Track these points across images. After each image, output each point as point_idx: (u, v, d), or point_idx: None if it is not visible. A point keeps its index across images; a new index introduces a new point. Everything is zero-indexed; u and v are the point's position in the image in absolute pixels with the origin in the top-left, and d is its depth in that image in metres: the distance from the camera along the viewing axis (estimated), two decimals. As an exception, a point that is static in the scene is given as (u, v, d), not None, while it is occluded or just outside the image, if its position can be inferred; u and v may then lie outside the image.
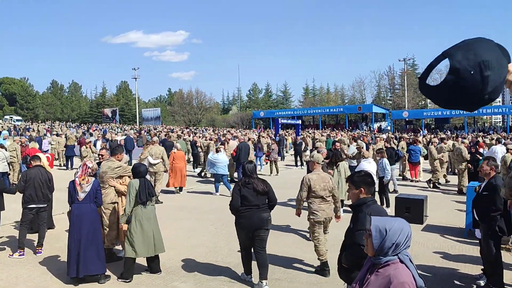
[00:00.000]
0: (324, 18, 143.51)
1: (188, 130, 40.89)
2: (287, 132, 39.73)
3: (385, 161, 11.21)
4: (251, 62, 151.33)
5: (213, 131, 42.23)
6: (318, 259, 6.56)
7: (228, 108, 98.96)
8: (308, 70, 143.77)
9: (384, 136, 26.61)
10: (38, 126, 45.86)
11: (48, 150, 20.90)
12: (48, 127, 40.75)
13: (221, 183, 13.48)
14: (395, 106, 70.27)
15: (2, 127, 38.59)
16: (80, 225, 6.08)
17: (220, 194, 13.31)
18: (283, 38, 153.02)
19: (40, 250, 7.42)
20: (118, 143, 18.39)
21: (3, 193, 7.91)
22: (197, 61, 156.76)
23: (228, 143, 17.42)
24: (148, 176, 9.01)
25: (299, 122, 39.84)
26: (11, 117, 66.05)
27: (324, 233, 6.72)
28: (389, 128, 59.12)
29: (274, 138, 27.55)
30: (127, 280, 6.14)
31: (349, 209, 4.52)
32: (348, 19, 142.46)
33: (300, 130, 36.27)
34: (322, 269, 6.46)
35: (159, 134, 29.82)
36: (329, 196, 6.59)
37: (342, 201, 9.49)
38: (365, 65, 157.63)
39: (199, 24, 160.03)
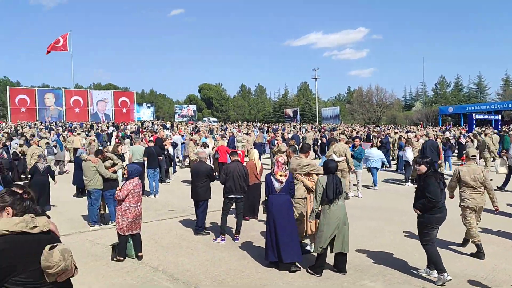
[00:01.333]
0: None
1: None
2: (480, 129, 35.45)
3: None
4: (437, 53, 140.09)
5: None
6: (472, 241, 7.18)
7: (411, 104, 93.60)
8: (508, 58, 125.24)
9: None
10: (230, 126, 50.99)
11: (238, 147, 23.05)
12: (238, 127, 44.98)
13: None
14: None
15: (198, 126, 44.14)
16: (277, 215, 6.56)
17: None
18: (473, 25, 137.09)
19: (237, 237, 8.21)
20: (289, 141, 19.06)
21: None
22: (377, 57, 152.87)
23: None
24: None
25: (498, 117, 35.06)
26: (209, 119, 75.19)
27: (477, 221, 7.39)
28: None
29: (467, 135, 24.91)
30: (317, 275, 6.30)
31: None
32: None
33: (500, 126, 31.91)
34: (477, 252, 7.07)
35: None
36: (480, 186, 7.21)
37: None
38: None
39: (380, 19, 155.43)
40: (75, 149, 20.47)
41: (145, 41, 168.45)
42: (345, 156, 12.06)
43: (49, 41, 57.15)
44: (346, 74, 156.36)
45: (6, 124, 48.73)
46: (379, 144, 20.03)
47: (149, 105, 77.39)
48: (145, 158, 13.01)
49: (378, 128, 35.28)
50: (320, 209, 6.37)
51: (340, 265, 6.42)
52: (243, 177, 8.20)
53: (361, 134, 28.79)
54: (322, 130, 36.62)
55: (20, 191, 2.95)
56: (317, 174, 7.33)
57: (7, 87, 67.33)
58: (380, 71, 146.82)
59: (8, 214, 2.76)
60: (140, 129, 35.42)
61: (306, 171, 7.35)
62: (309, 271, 6.41)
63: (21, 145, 16.92)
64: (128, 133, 30.27)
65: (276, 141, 17.12)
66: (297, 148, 9.93)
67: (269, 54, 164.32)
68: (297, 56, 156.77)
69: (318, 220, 6.49)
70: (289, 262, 6.47)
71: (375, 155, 14.18)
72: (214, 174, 9.47)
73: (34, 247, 2.63)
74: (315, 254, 6.47)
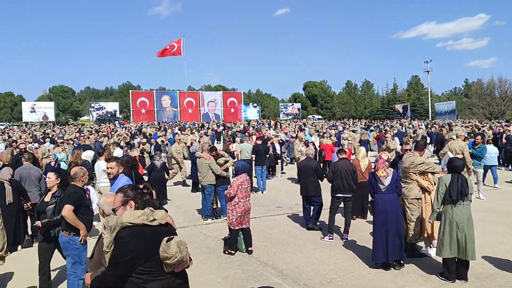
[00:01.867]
0: None
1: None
2: None
3: None
4: None
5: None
6: None
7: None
8: None
9: None
10: (336, 123, 50.19)
11: (343, 145, 22.54)
12: (345, 124, 44.05)
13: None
14: None
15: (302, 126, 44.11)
16: (384, 215, 6.31)
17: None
18: None
19: (346, 237, 8.04)
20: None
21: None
22: (499, 46, 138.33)
23: None
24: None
25: None
26: (313, 116, 74.94)
27: None
28: None
29: None
30: (450, 281, 5.88)
31: None
32: None
33: None
34: None
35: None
36: None
37: None
38: None
39: (503, 3, 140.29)
40: (188, 147, 21.83)
41: (251, 42, 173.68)
42: (463, 154, 11.11)
43: (164, 47, 61.55)
44: (463, 65, 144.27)
45: (129, 124, 53.76)
46: (504, 141, 18.15)
47: (255, 104, 79.62)
48: (253, 156, 13.39)
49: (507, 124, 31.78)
50: (441, 209, 5.96)
51: (461, 272, 5.93)
52: (351, 175, 8.00)
53: (481, 130, 26.26)
54: (433, 126, 34.16)
55: (141, 187, 3.23)
56: (432, 173, 6.87)
57: (130, 90, 74.23)
58: (503, 61, 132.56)
59: (131, 207, 3.03)
60: (246, 128, 36.58)
61: (421, 170, 6.91)
62: (441, 277, 6.01)
63: (143, 143, 18.50)
64: (235, 132, 31.43)
65: (385, 139, 16.43)
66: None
67: (377, 48, 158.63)
68: (407, 49, 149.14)
69: (438, 222, 6.06)
70: (391, 262, 6.32)
71: (492, 152, 13.46)
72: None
73: (154, 238, 2.85)
74: (436, 258, 6.07)
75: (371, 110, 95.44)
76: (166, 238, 2.82)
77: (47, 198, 5.67)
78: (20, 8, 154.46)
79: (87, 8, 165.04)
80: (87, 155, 11.87)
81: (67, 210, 5.03)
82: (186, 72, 68.98)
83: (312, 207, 8.95)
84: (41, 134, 31.03)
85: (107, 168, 5.65)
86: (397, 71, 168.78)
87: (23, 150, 12.42)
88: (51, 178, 5.66)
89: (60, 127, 49.17)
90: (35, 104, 72.55)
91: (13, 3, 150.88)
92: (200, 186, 10.36)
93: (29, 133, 33.18)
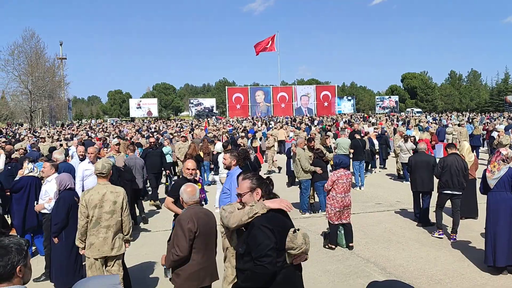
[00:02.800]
0: None
1: None
2: None
3: None
4: None
5: None
6: None
7: None
8: None
9: None
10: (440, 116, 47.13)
11: (447, 140, 21.10)
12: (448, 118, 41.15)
13: None
14: None
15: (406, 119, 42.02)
16: (495, 214, 5.87)
17: None
18: None
19: (454, 237, 7.57)
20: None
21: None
22: None
23: None
24: None
25: None
26: (412, 109, 71.07)
27: None
28: None
29: None
30: None
31: None
32: None
33: None
34: None
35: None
36: None
37: None
38: None
39: None
40: (280, 141, 22.04)
41: (345, 33, 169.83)
42: None
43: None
44: None
45: (224, 119, 55.75)
46: None
47: (349, 98, 77.85)
48: (351, 151, 13.14)
49: None
50: None
51: None
52: (462, 171, 7.50)
53: None
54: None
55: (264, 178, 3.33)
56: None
57: (226, 87, 76.92)
58: None
59: (257, 195, 3.14)
60: (336, 122, 35.81)
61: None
62: None
63: (241, 137, 19.11)
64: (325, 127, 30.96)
65: (497, 133, 15.09)
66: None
67: (485, 35, 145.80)
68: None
69: None
70: (503, 265, 5.82)
71: None
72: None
73: (286, 228, 2.95)
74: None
75: (478, 102, 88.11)
76: (292, 229, 2.89)
77: None
78: (128, 13, 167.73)
79: (185, 8, 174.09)
80: (218, 148, 12.42)
81: (166, 201, 5.44)
82: (280, 67, 70.00)
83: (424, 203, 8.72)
84: (146, 129, 33.43)
85: (223, 159, 5.95)
86: (509, 59, 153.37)
87: (131, 143, 13.51)
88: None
89: (162, 122, 52.50)
90: (140, 101, 78.47)
91: (124, 8, 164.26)
92: (296, 180, 10.44)
93: (136, 128, 35.92)
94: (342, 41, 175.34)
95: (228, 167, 5.70)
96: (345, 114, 58.70)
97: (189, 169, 5.56)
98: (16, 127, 44.75)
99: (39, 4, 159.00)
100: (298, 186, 10.28)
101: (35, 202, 6.90)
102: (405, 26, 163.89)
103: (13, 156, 11.51)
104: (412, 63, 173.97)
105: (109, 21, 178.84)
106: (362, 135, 15.42)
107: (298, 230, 2.91)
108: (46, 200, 6.27)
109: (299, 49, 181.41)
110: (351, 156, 12.99)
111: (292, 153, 10.58)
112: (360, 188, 12.88)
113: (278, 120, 42.57)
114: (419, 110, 72.77)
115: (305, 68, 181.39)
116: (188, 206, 4.05)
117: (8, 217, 8.74)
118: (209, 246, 4.03)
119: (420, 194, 8.82)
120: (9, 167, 9.06)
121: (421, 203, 8.81)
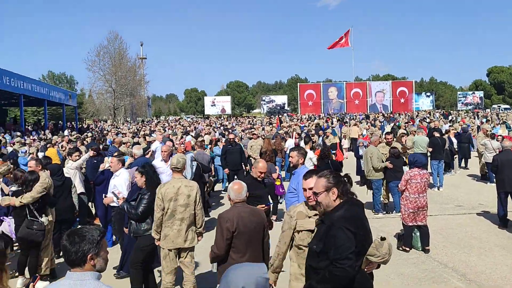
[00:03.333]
0: None
1: None
2: None
3: None
4: None
5: None
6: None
7: None
8: None
9: None
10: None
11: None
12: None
13: None
14: None
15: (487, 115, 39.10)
16: None
17: None
18: None
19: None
20: None
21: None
22: None
23: None
24: None
25: None
26: (499, 106, 65.95)
27: None
28: None
29: None
30: None
31: None
32: None
33: None
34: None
35: None
36: None
37: None
38: None
39: None
40: (353, 139, 21.44)
41: (422, 25, 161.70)
42: None
43: (332, 38, 61.68)
44: None
45: (297, 116, 55.56)
46: None
47: (428, 94, 73.96)
48: (429, 149, 12.51)
49: None
50: None
51: None
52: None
53: None
54: None
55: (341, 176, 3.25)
56: None
57: (298, 83, 76.58)
58: None
59: (333, 194, 3.07)
60: (411, 119, 34.10)
61: None
62: None
63: (312, 135, 18.94)
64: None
65: None
66: None
67: None
68: None
69: None
70: None
71: None
72: None
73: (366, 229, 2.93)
74: None
75: None
76: (380, 237, 2.80)
77: None
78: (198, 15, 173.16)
79: (258, 5, 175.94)
80: (289, 144, 12.49)
81: None
82: (354, 63, 68.20)
83: None
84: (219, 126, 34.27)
85: (290, 157, 5.91)
86: None
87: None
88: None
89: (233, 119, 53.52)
90: (215, 99, 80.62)
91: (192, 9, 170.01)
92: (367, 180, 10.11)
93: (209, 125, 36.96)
94: (420, 34, 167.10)
95: (294, 166, 5.64)
96: (424, 111, 55.94)
97: (261, 172, 5.51)
98: (101, 124, 48.00)
99: (122, 7, 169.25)
100: (366, 186, 9.95)
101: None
102: (490, 16, 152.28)
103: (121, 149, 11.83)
104: (499, 56, 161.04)
105: (185, 22, 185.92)
106: (442, 133, 14.61)
107: (385, 239, 2.81)
108: (116, 193, 6.32)
109: (374, 43, 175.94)
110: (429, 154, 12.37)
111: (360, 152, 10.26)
112: (438, 189, 12.21)
113: (351, 117, 41.64)
114: (507, 106, 67.32)
115: (380, 64, 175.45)
116: (234, 204, 4.07)
117: (92, 207, 9.44)
118: (251, 246, 3.98)
119: (509, 195, 8.21)
120: (95, 161, 9.73)
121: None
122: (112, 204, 6.73)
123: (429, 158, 12.69)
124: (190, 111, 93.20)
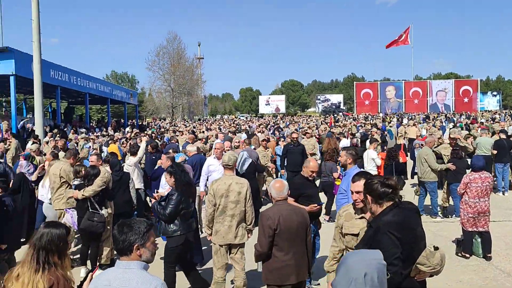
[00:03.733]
0: None
1: None
2: None
3: None
4: None
5: None
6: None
7: None
8: None
9: None
10: None
11: None
12: None
13: None
14: None
15: None
16: None
17: None
18: None
19: None
20: None
21: None
22: None
23: None
24: None
25: None
26: None
27: None
28: None
29: None
30: None
31: None
32: None
33: None
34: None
35: None
36: None
37: None
38: None
39: None
40: (410, 139, 20.65)
41: (488, 22, 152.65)
42: None
43: (391, 36, 59.76)
44: None
45: (352, 115, 54.47)
46: None
47: (495, 93, 69.84)
48: (494, 152, 11.80)
49: None
50: None
51: None
52: None
53: None
54: None
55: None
56: None
57: (354, 82, 75.08)
58: None
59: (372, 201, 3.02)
60: (473, 119, 32.24)
61: None
62: None
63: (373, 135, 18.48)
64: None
65: None
66: None
67: None
68: None
69: None
70: None
71: None
72: None
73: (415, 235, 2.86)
74: None
75: None
76: (433, 246, 2.71)
77: None
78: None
79: (314, 3, 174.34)
80: (344, 144, 12.31)
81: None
82: (413, 61, 65.77)
83: None
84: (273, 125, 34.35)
85: (340, 157, 5.82)
86: None
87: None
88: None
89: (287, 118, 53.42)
90: (269, 98, 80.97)
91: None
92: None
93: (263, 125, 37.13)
94: (486, 30, 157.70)
95: (343, 166, 5.54)
96: (489, 111, 52.87)
97: (312, 171, 5.45)
98: (160, 121, 49.69)
99: (181, 7, 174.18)
100: (415, 190, 9.49)
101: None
102: None
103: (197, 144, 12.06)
104: None
105: (240, 23, 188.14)
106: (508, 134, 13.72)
107: (438, 248, 2.70)
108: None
109: (436, 41, 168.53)
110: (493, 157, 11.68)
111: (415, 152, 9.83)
112: (503, 194, 11.50)
113: (410, 117, 40.20)
114: None
115: (442, 62, 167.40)
116: (276, 202, 4.05)
117: (150, 201, 9.78)
118: (294, 244, 3.97)
119: None
120: (153, 157, 10.08)
121: None
122: None
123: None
124: (245, 110, 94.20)
